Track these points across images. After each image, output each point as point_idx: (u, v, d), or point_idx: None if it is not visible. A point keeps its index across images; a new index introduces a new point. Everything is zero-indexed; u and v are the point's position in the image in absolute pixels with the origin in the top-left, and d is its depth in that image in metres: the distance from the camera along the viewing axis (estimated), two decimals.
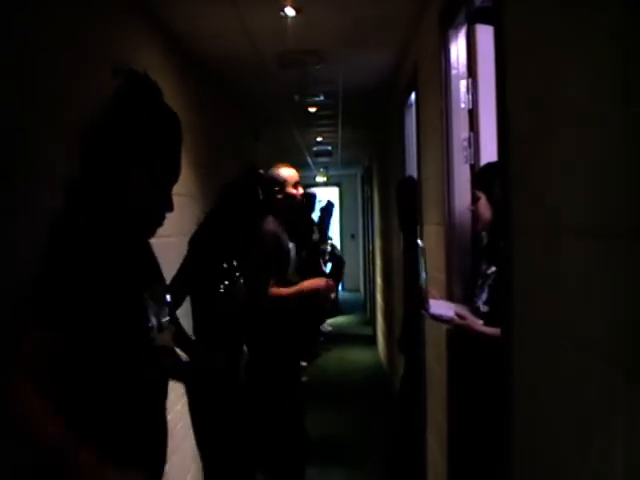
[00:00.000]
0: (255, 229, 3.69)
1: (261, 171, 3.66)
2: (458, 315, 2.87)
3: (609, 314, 1.38)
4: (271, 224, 4.21)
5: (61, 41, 2.79)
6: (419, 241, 3.36)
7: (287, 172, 4.41)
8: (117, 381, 1.82)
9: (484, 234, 3.15)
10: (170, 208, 1.97)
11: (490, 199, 2.90)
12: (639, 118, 1.24)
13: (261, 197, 3.56)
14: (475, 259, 3.26)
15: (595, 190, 1.44)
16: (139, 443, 1.87)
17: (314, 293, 4.18)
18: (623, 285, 1.31)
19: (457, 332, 3.05)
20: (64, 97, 2.85)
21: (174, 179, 1.98)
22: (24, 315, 1.73)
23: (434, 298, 3.30)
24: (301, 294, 4.13)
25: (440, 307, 3.06)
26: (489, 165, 3.05)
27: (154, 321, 1.90)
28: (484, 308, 2.92)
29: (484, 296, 2.93)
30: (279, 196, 4.31)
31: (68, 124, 2.87)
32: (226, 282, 3.31)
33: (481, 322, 2.87)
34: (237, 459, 3.36)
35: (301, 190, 4.45)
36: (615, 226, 1.34)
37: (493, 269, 2.90)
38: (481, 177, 3.04)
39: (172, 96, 4.67)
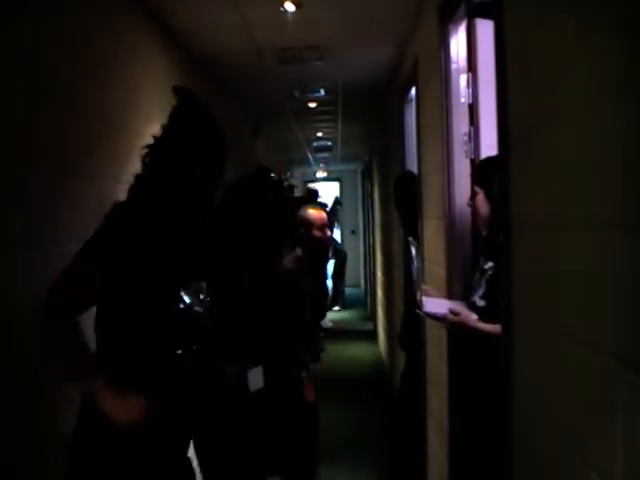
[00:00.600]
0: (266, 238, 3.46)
1: (273, 175, 3.45)
2: (452, 312, 2.87)
3: (610, 308, 1.38)
4: (290, 262, 4.05)
5: (60, 39, 2.80)
6: (410, 238, 3.35)
7: (313, 215, 4.20)
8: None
9: (483, 229, 3.14)
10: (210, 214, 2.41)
11: (488, 194, 2.89)
12: (636, 110, 1.24)
13: (272, 201, 3.32)
14: (474, 254, 3.26)
15: (596, 183, 1.43)
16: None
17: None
18: (625, 279, 1.31)
19: (453, 329, 3.06)
20: (64, 96, 2.85)
21: (218, 189, 2.36)
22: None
23: (428, 295, 3.32)
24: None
25: (434, 305, 3.06)
26: (487, 160, 3.05)
27: (187, 301, 2.19)
28: (480, 302, 2.91)
29: (481, 291, 2.93)
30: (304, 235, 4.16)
31: (70, 122, 2.88)
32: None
33: (476, 317, 2.86)
34: (238, 468, 3.29)
35: (329, 232, 4.31)
36: (616, 220, 1.34)
37: (490, 264, 2.90)
38: (479, 172, 3.03)
39: (170, 93, 4.67)
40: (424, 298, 3.16)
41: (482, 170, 3.01)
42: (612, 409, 1.36)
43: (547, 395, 1.79)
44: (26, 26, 2.49)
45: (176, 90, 2.31)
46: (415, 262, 3.29)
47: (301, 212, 4.22)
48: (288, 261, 3.94)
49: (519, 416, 2.07)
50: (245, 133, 7.98)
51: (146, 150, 2.24)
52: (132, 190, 2.23)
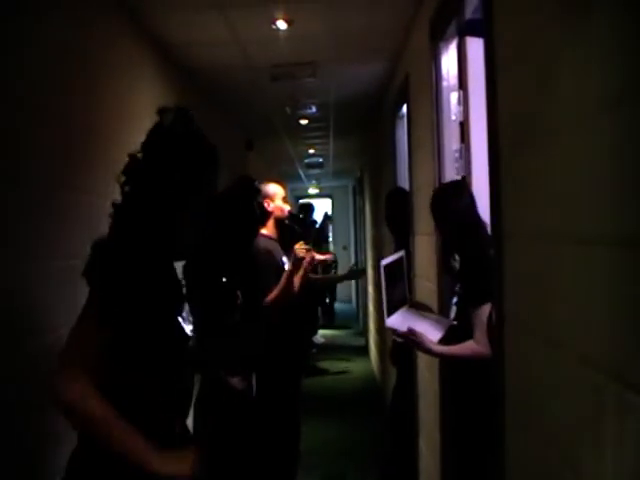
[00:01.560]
0: (251, 244, 3.62)
1: (256, 182, 3.61)
2: (410, 331, 2.91)
3: (600, 323, 1.39)
4: (262, 241, 4.23)
5: (46, 50, 2.81)
6: (384, 260, 3.41)
7: (274, 188, 4.52)
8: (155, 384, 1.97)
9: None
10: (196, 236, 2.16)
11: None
12: (622, 127, 1.26)
13: (257, 211, 3.50)
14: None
15: (587, 198, 1.45)
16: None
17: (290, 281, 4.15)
18: (613, 295, 1.32)
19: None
20: (55, 111, 2.86)
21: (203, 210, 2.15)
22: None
23: (415, 307, 3.38)
24: (284, 289, 4.08)
25: (397, 321, 3.12)
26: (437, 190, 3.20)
27: (188, 331, 2.11)
28: (452, 324, 2.98)
29: (453, 311, 2.99)
30: (269, 207, 4.35)
31: (60, 136, 2.90)
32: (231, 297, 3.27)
33: (436, 339, 2.92)
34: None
35: (288, 206, 4.52)
36: (609, 233, 1.36)
37: (458, 287, 2.96)
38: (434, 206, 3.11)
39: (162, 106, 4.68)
40: (400, 311, 3.22)
41: (440, 198, 3.09)
42: (601, 424, 1.37)
43: (538, 410, 1.80)
44: (11, 35, 2.49)
45: (161, 112, 2.08)
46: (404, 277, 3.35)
47: (261, 186, 4.38)
48: (259, 241, 4.08)
49: (511, 431, 2.08)
50: (237, 148, 7.99)
51: (123, 177, 2.03)
52: (113, 225, 2.01)
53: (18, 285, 2.48)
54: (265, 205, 4.32)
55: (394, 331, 3.07)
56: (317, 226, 12.96)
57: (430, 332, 2.97)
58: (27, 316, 2.55)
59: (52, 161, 2.81)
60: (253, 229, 3.54)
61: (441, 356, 2.94)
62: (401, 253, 3.56)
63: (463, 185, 3.07)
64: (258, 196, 3.60)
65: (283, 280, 4.07)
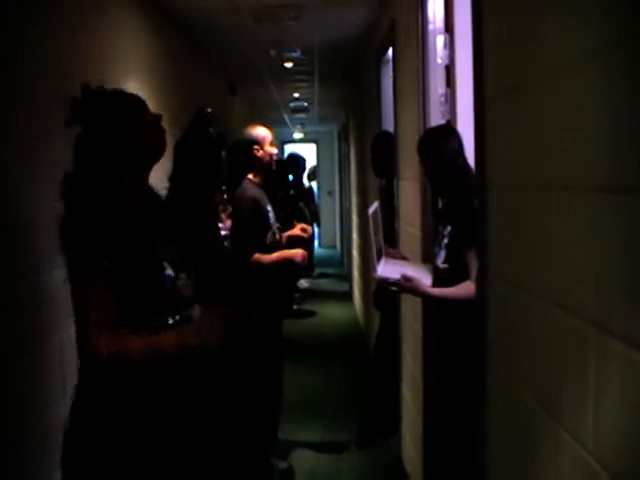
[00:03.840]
0: (221, 173, 3.54)
1: (209, 110, 3.53)
2: (404, 277, 2.91)
3: (587, 274, 1.39)
4: (249, 189, 4.21)
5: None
6: (370, 208, 3.38)
7: (263, 131, 4.44)
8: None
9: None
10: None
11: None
12: (614, 73, 1.25)
13: (214, 136, 3.42)
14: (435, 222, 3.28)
15: (576, 145, 1.44)
16: None
17: (289, 261, 4.30)
18: (603, 245, 1.32)
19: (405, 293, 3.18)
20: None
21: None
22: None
23: (391, 257, 3.37)
24: (278, 262, 4.22)
25: (388, 270, 3.10)
26: (432, 130, 3.18)
27: (170, 271, 2.12)
28: (442, 267, 2.96)
29: (442, 255, 2.97)
30: (259, 154, 4.32)
31: (53, 96, 2.83)
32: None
33: (429, 283, 2.93)
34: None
35: (275, 150, 4.47)
36: (596, 180, 1.35)
37: (449, 229, 2.95)
38: (426, 144, 3.08)
39: (145, 52, 4.61)
40: (382, 262, 3.20)
41: (428, 141, 3.05)
42: (583, 369, 1.38)
43: (520, 355, 1.82)
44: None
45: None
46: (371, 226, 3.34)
47: (250, 130, 4.37)
48: (246, 188, 4.07)
49: (492, 376, 2.10)
50: (221, 92, 7.91)
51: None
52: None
53: None
54: (254, 151, 4.29)
55: (385, 279, 3.06)
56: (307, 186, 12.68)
57: (422, 277, 2.99)
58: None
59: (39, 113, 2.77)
60: (213, 156, 3.42)
61: (438, 298, 2.92)
62: (375, 204, 3.54)
63: (451, 129, 3.05)
64: (212, 122, 3.52)
65: (277, 257, 4.20)
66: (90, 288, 1.93)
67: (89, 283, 1.94)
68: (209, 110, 3.44)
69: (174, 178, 3.18)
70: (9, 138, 2.53)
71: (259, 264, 4.11)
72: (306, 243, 4.91)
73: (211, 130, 3.34)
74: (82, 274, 1.96)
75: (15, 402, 2.50)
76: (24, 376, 2.58)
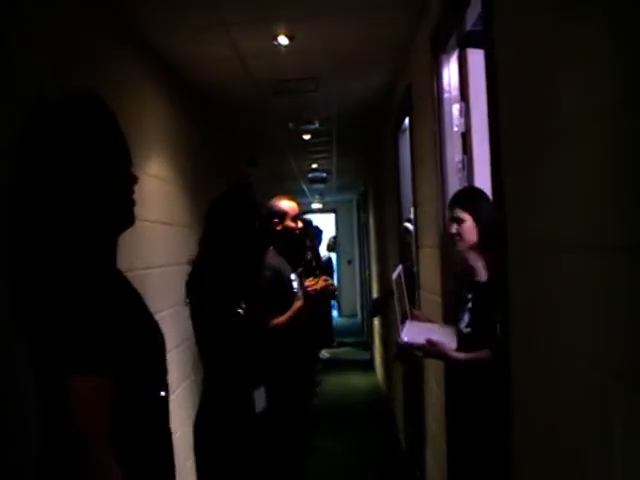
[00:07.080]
0: (257, 246, 3.51)
1: (247, 178, 3.59)
2: (429, 342, 2.86)
3: (607, 327, 1.39)
4: (271, 257, 4.21)
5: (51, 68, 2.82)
6: (394, 273, 3.35)
7: (288, 205, 4.42)
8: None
9: (459, 259, 3.13)
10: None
11: (477, 220, 2.92)
12: (624, 135, 1.27)
13: (252, 204, 3.41)
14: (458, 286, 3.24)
15: (591, 206, 1.46)
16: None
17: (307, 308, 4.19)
18: (621, 299, 1.33)
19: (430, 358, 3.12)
20: None
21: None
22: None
23: (417, 319, 3.33)
24: (293, 317, 4.11)
25: (414, 334, 3.04)
26: (471, 188, 3.10)
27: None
28: (466, 331, 2.94)
29: (466, 319, 2.96)
30: (278, 228, 4.32)
31: None
32: (239, 310, 3.20)
33: (454, 347, 2.89)
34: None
35: (300, 224, 4.47)
36: (614, 239, 1.36)
37: (470, 295, 2.94)
38: (466, 199, 3.02)
39: (166, 122, 4.72)
40: (407, 324, 3.16)
41: (469, 197, 3.02)
42: (610, 426, 1.37)
43: (545, 413, 1.80)
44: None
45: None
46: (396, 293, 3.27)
47: (274, 202, 4.36)
48: (267, 257, 4.08)
49: (519, 443, 2.08)
50: (240, 164, 8.02)
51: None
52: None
53: None
54: (273, 226, 4.29)
55: (410, 345, 3.00)
56: (324, 259, 12.69)
57: (447, 341, 2.95)
58: None
59: None
60: (249, 223, 3.39)
61: (465, 364, 2.87)
62: (399, 269, 3.51)
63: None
64: (250, 190, 3.54)
65: (292, 312, 4.11)
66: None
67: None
68: (247, 178, 3.51)
69: (206, 243, 3.21)
70: None
71: (277, 327, 4.03)
72: (332, 295, 4.83)
73: (249, 198, 3.37)
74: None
75: None
76: None
